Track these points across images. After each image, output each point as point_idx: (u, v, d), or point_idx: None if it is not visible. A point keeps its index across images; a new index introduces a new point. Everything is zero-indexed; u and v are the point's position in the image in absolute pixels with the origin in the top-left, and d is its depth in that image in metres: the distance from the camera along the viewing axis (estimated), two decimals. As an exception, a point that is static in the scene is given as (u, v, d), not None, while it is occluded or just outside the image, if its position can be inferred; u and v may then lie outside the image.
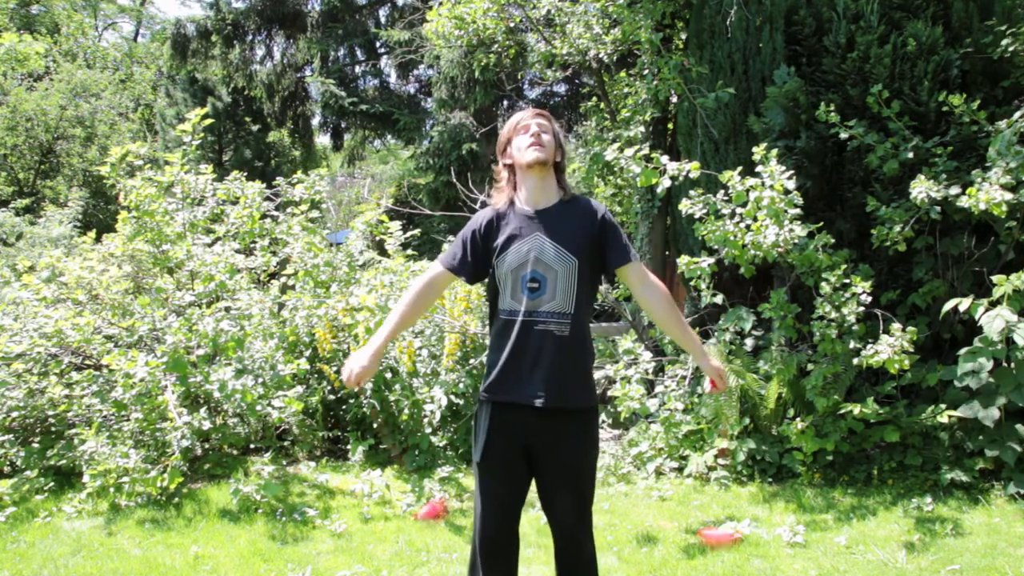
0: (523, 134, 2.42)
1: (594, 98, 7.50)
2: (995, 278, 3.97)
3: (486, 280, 2.53)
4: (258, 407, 4.54)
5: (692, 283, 4.92)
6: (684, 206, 4.77)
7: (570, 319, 2.34)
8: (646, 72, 6.03)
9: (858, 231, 4.98)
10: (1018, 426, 4.08)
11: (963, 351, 4.06)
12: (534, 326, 2.33)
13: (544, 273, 2.34)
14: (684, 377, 5.13)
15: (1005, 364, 4.04)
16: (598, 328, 7.01)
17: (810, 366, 4.53)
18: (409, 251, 6.08)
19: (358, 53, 14.71)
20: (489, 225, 2.45)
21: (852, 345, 4.35)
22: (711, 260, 4.67)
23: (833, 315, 4.37)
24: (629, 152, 4.73)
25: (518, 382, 2.34)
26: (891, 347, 4.12)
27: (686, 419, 4.83)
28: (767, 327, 5.08)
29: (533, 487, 2.46)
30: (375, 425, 4.98)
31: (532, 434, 2.35)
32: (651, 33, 5.73)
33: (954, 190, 4.24)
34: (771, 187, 4.41)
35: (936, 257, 4.69)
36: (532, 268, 2.35)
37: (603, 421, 5.63)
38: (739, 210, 4.56)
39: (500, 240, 2.41)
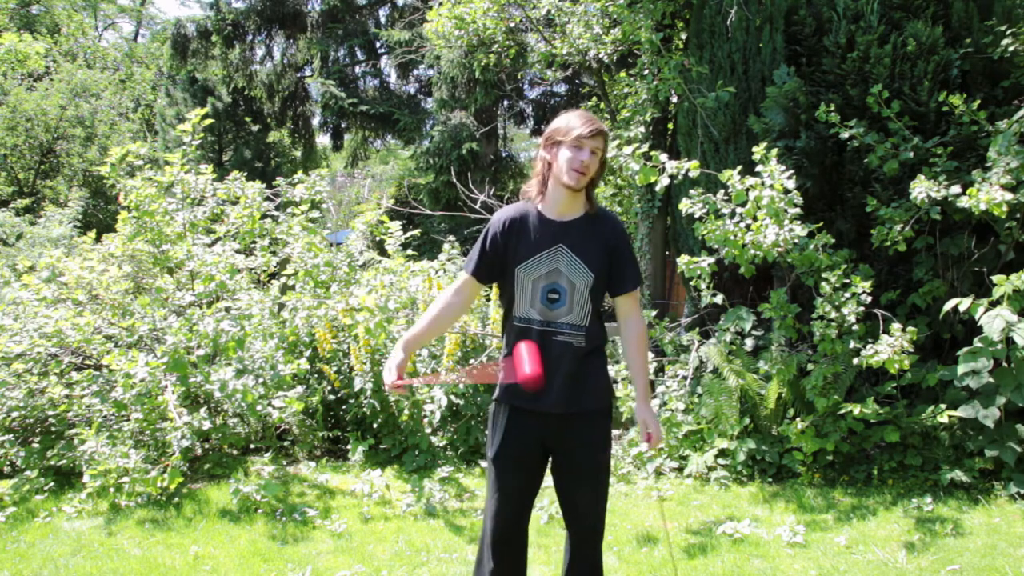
0: (574, 151, 2.32)
1: (594, 98, 7.51)
2: (995, 278, 3.97)
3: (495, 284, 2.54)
4: (259, 407, 4.54)
5: (692, 283, 4.92)
6: (684, 206, 4.77)
7: (584, 331, 2.37)
8: (646, 72, 6.03)
9: (858, 231, 4.98)
10: (1018, 426, 4.08)
11: (963, 351, 4.06)
12: (553, 336, 2.36)
13: (564, 286, 2.35)
14: (684, 377, 5.13)
15: (1005, 364, 4.04)
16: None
17: (810, 366, 4.53)
18: (409, 251, 6.07)
19: (358, 53, 14.71)
20: (512, 225, 2.41)
21: (852, 345, 4.35)
22: (711, 260, 4.67)
23: (833, 315, 4.37)
24: (628, 149, 4.73)
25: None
26: (891, 347, 4.11)
27: (687, 419, 4.83)
28: (767, 327, 5.08)
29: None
30: (375, 425, 4.98)
31: (549, 436, 2.40)
32: (651, 33, 5.73)
33: (954, 190, 4.24)
34: (771, 187, 4.42)
35: (936, 257, 4.69)
36: (553, 279, 2.36)
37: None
38: (739, 210, 4.56)
39: (521, 245, 2.39)
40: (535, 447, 2.40)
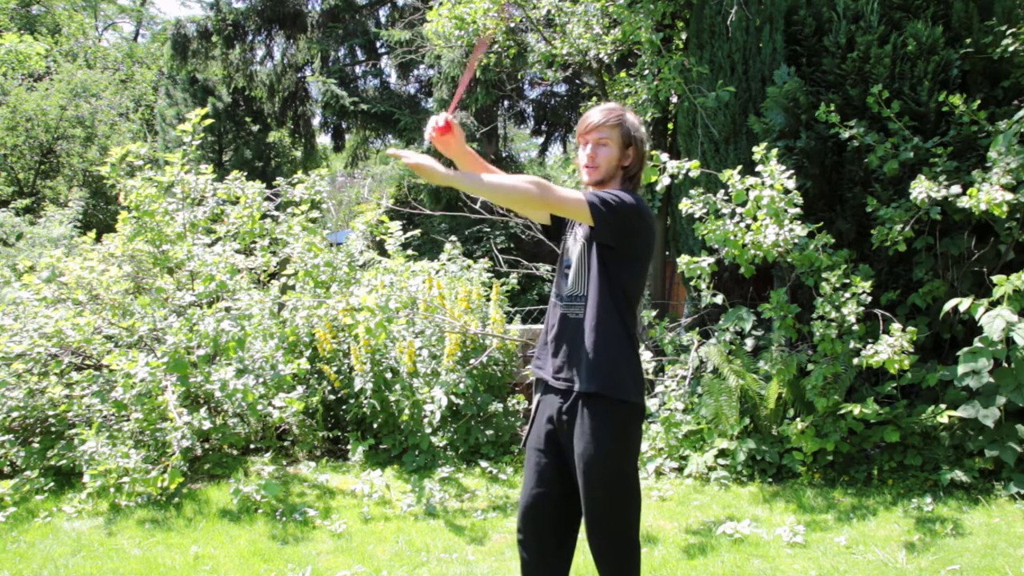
0: (582, 148, 2.40)
1: (594, 98, 7.49)
2: (995, 278, 3.97)
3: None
4: (259, 407, 4.54)
5: (692, 283, 4.92)
6: (684, 206, 4.77)
7: (584, 301, 2.34)
8: (646, 72, 6.03)
9: (858, 231, 4.98)
10: (1018, 426, 4.08)
11: (963, 351, 4.06)
12: (558, 309, 2.44)
13: (571, 259, 2.44)
14: (684, 377, 5.13)
15: (1005, 364, 4.04)
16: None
17: (810, 366, 4.53)
18: (409, 251, 6.07)
19: (358, 53, 14.71)
20: None
21: (852, 345, 4.35)
22: (711, 260, 4.67)
23: (833, 315, 4.37)
24: (629, 150, 4.72)
25: (545, 359, 2.46)
26: (891, 347, 4.11)
27: (686, 419, 4.83)
28: (767, 327, 5.08)
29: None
30: (375, 425, 4.98)
31: (556, 419, 2.37)
32: (651, 33, 5.73)
33: (954, 190, 4.24)
34: (771, 187, 4.42)
35: (936, 257, 4.69)
36: (568, 255, 2.46)
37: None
38: (739, 210, 4.57)
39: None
40: (547, 436, 2.40)
